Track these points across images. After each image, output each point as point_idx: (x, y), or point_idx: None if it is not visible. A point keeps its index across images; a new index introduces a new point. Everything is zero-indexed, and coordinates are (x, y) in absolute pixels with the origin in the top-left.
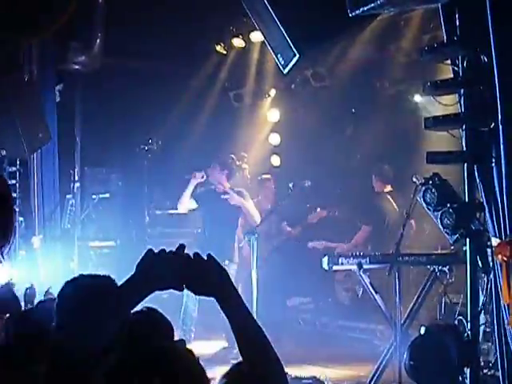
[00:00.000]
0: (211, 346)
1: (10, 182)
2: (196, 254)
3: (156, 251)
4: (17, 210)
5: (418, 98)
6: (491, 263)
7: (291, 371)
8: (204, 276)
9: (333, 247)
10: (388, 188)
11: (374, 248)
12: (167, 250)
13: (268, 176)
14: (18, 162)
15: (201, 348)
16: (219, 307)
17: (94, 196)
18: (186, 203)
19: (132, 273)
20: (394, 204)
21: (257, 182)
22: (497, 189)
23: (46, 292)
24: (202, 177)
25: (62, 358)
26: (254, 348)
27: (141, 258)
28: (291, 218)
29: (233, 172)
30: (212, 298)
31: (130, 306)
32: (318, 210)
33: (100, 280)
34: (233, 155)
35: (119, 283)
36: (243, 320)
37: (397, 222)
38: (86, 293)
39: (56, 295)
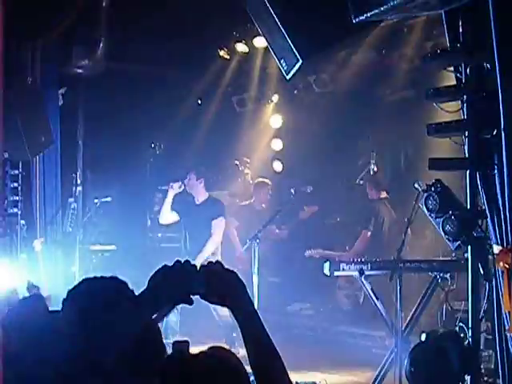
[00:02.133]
0: None
1: (11, 185)
2: (211, 264)
3: (170, 265)
4: (18, 212)
5: None
6: (493, 270)
7: (292, 377)
8: (219, 285)
9: (331, 256)
10: (383, 194)
11: (370, 255)
12: (180, 263)
13: (266, 180)
14: (20, 165)
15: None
16: (232, 315)
17: (95, 200)
18: (167, 215)
19: (144, 288)
20: (392, 211)
21: (254, 184)
22: (499, 196)
23: (29, 287)
24: (180, 187)
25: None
26: (262, 359)
27: (154, 272)
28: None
29: (209, 180)
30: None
31: (143, 319)
32: (305, 207)
33: (106, 282)
34: (237, 161)
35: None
36: (255, 331)
37: (394, 228)
38: (90, 298)
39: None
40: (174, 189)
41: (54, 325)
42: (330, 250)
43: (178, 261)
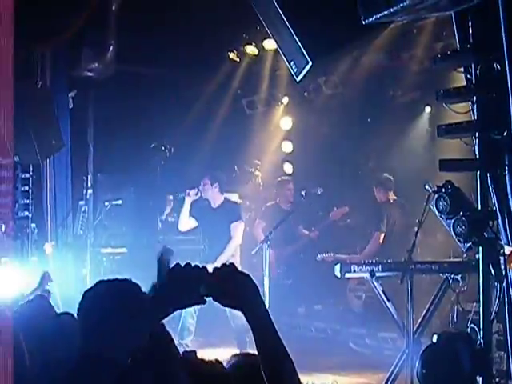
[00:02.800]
0: (222, 353)
1: (22, 189)
2: (224, 266)
3: (182, 265)
4: (29, 216)
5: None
6: (504, 271)
7: (303, 379)
8: (232, 288)
9: (344, 259)
10: (391, 196)
11: (381, 257)
12: (192, 265)
13: (287, 178)
14: (30, 169)
15: (212, 356)
16: (245, 319)
17: (106, 203)
18: (186, 222)
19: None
20: (400, 212)
21: (276, 183)
22: (510, 196)
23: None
24: (196, 194)
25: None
26: (273, 362)
27: (160, 273)
28: (305, 222)
29: (223, 183)
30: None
31: (155, 320)
32: (335, 208)
33: (121, 284)
34: (247, 164)
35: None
36: (267, 333)
37: (403, 230)
38: (108, 299)
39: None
40: (191, 196)
41: (62, 326)
42: (340, 252)
43: (188, 263)
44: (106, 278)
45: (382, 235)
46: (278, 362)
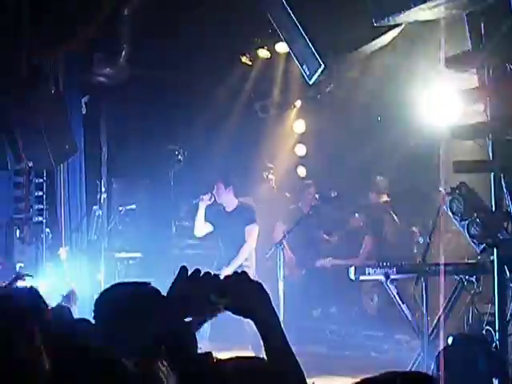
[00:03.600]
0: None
1: (36, 194)
2: (236, 274)
3: (189, 273)
4: (43, 221)
5: None
6: None
7: (318, 382)
8: (243, 298)
9: (342, 264)
10: (384, 198)
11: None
12: (202, 272)
13: (310, 182)
14: (44, 174)
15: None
16: (255, 328)
17: (120, 208)
18: (201, 228)
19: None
20: (393, 215)
21: (298, 187)
22: None
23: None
24: (210, 199)
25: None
26: (282, 373)
27: (174, 279)
28: (324, 226)
29: (237, 186)
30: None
31: (169, 324)
32: (356, 215)
33: (139, 287)
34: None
35: None
36: (277, 344)
37: (395, 232)
38: (125, 299)
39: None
40: (205, 201)
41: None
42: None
43: (198, 270)
44: (124, 281)
45: (371, 239)
46: (287, 372)
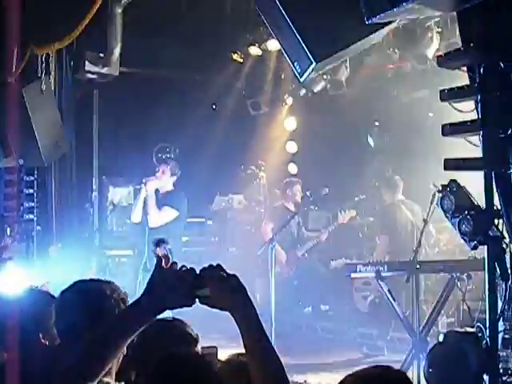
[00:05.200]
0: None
1: (27, 192)
2: (211, 267)
3: (165, 267)
4: (34, 218)
5: None
6: (509, 270)
7: (309, 379)
8: (218, 290)
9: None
10: (398, 196)
11: (391, 258)
12: (178, 266)
13: (295, 179)
14: (35, 172)
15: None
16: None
17: (111, 205)
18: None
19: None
20: (408, 213)
21: (282, 184)
22: None
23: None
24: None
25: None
26: (261, 366)
27: (151, 274)
28: (312, 223)
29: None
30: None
31: (142, 322)
32: (345, 211)
33: (98, 284)
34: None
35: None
36: (255, 336)
37: (412, 230)
38: (82, 297)
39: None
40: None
41: None
42: (347, 254)
43: (174, 262)
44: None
45: (388, 239)
46: (266, 364)
